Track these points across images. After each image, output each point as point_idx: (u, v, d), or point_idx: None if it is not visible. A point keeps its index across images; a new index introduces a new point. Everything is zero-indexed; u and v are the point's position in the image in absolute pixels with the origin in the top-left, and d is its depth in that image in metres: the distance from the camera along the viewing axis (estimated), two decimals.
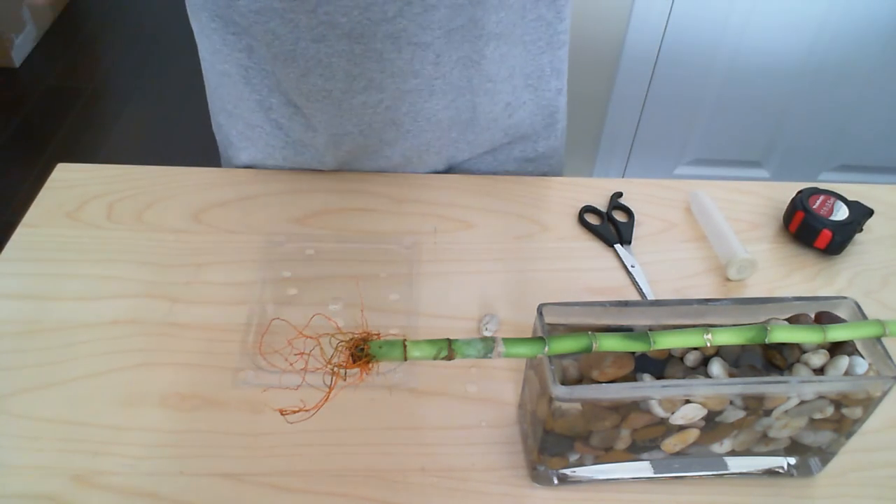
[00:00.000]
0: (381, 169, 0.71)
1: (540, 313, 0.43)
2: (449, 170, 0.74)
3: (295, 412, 0.38)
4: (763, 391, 0.42)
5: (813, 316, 0.46)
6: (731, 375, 0.43)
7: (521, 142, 0.73)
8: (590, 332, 0.39)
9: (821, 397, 0.43)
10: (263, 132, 0.68)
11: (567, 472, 0.47)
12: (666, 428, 0.43)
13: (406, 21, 0.56)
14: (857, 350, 0.44)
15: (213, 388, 0.52)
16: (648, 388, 0.42)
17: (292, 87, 0.62)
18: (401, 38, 0.57)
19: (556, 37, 0.67)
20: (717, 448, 0.46)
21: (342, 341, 0.36)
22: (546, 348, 0.39)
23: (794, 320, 0.45)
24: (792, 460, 0.48)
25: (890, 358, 0.42)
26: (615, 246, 0.65)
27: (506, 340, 0.39)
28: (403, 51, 0.58)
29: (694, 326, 0.41)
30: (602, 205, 0.69)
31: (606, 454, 0.45)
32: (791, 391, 0.42)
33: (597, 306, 0.45)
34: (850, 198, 0.66)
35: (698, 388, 0.42)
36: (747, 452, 0.46)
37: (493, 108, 0.68)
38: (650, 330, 0.40)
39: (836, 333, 0.42)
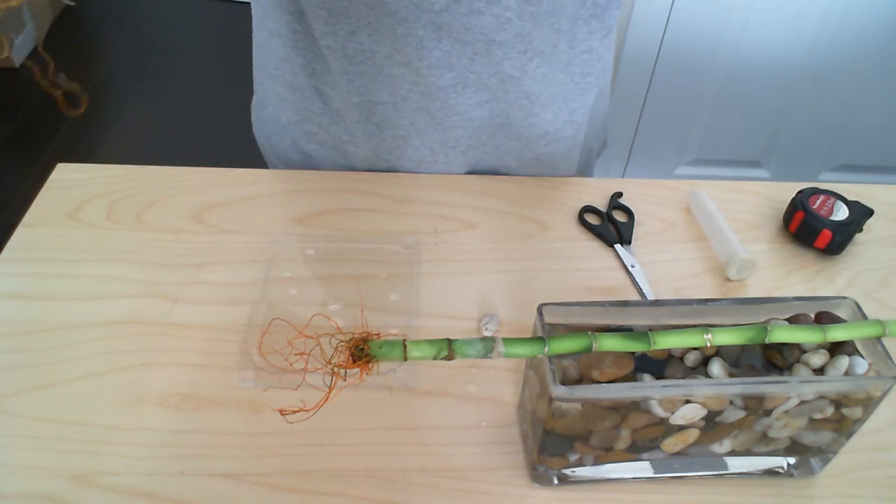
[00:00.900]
0: (407, 162, 0.71)
1: (540, 313, 0.43)
2: (470, 173, 0.74)
3: (295, 412, 0.38)
4: (763, 391, 0.42)
5: (813, 316, 0.46)
6: (731, 375, 0.43)
7: (548, 165, 0.73)
8: (590, 332, 0.39)
9: (821, 397, 0.43)
10: (303, 96, 0.68)
11: (567, 472, 0.47)
12: (666, 428, 0.43)
13: (451, 17, 0.57)
14: (857, 350, 0.44)
15: (213, 388, 0.52)
16: (648, 388, 0.42)
17: (339, 46, 0.62)
18: (442, 29, 0.58)
19: (606, 70, 0.67)
20: (717, 448, 0.46)
21: (342, 341, 0.36)
22: (546, 348, 0.39)
23: (794, 320, 0.45)
24: (792, 460, 0.48)
25: (890, 358, 0.42)
26: (615, 246, 0.65)
27: (506, 340, 0.39)
28: (443, 41, 0.59)
29: (694, 326, 0.41)
30: (602, 205, 0.69)
31: (606, 454, 0.45)
32: (791, 391, 0.42)
33: (597, 306, 0.45)
34: (850, 198, 0.66)
35: (698, 388, 0.42)
36: (747, 452, 0.46)
37: (530, 130, 0.68)
38: (650, 330, 0.40)
39: (836, 333, 0.42)
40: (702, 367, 0.44)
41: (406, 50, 0.60)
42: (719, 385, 0.42)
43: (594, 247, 0.65)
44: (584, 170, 0.80)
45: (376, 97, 0.65)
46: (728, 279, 0.62)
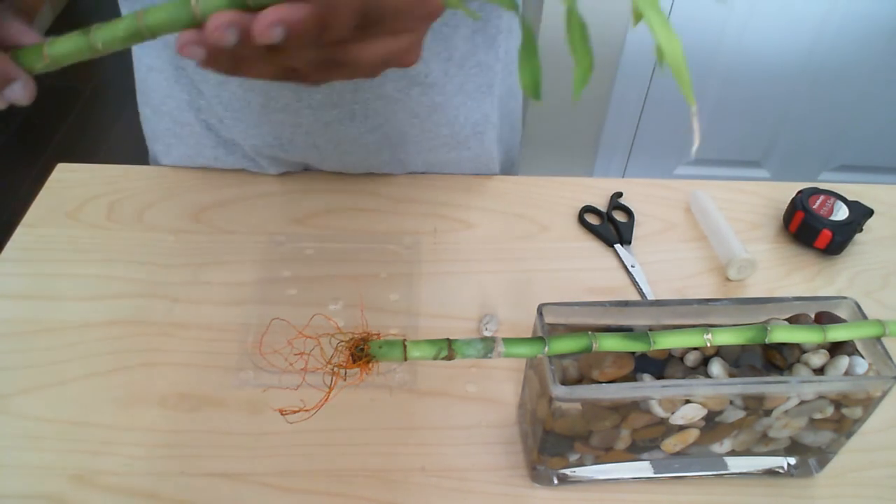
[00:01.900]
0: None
1: (540, 313, 0.43)
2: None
3: (295, 412, 0.38)
4: (763, 391, 0.42)
5: (813, 316, 0.46)
6: (731, 375, 0.43)
7: (466, 168, 0.72)
8: (590, 332, 0.39)
9: (821, 397, 0.43)
10: (193, 131, 0.67)
11: (567, 472, 0.47)
12: (666, 428, 0.43)
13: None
14: (857, 350, 0.44)
15: (213, 388, 0.52)
16: (648, 388, 0.42)
17: (213, 93, 0.62)
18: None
19: (503, 71, 0.66)
20: (717, 448, 0.46)
21: (342, 341, 0.36)
22: (546, 348, 0.39)
23: (794, 320, 0.45)
24: (792, 460, 0.48)
25: (890, 358, 0.42)
26: (615, 246, 0.65)
27: (506, 340, 0.39)
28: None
29: (694, 326, 0.41)
30: (602, 205, 0.69)
31: (606, 454, 0.45)
32: (791, 391, 0.42)
33: (597, 306, 0.45)
34: (850, 198, 0.66)
35: (698, 388, 0.42)
36: (747, 452, 0.46)
37: (429, 141, 0.67)
38: (650, 330, 0.40)
39: (836, 333, 0.42)
40: (702, 367, 0.44)
41: (281, 98, 0.59)
42: (719, 385, 0.42)
43: (594, 247, 0.65)
44: (507, 168, 0.78)
45: (261, 141, 0.65)
46: (728, 279, 0.62)
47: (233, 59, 0.32)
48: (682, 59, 0.24)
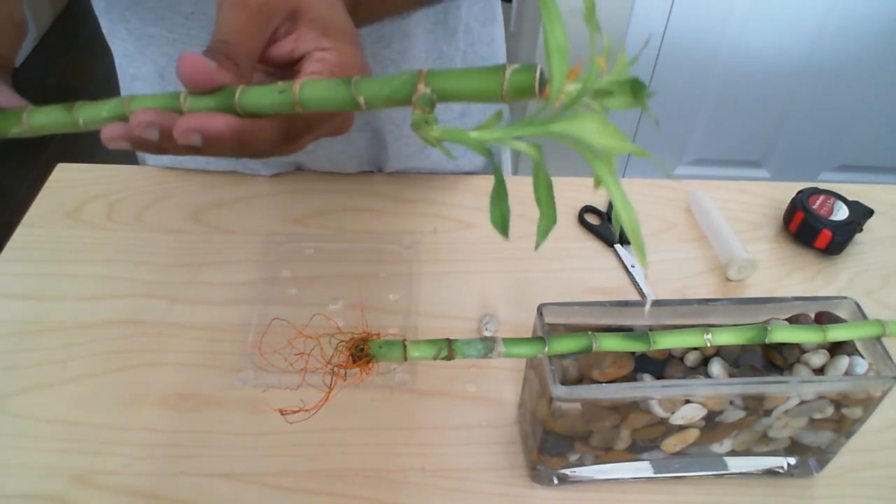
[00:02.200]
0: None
1: (540, 313, 0.43)
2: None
3: (295, 412, 0.38)
4: (763, 391, 0.42)
5: (813, 316, 0.46)
6: (731, 375, 0.43)
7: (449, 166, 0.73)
8: (590, 332, 0.39)
9: (821, 397, 0.43)
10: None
11: (567, 472, 0.47)
12: (666, 428, 0.43)
13: None
14: (857, 350, 0.44)
15: (213, 388, 0.52)
16: (648, 388, 0.42)
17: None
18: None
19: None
20: (717, 448, 0.46)
21: (342, 341, 0.36)
22: (546, 348, 0.39)
23: (794, 320, 0.45)
24: (792, 460, 0.48)
25: (890, 358, 0.42)
26: (615, 246, 0.65)
27: (506, 340, 0.39)
28: None
29: (694, 326, 0.41)
30: (602, 205, 0.69)
31: (606, 454, 0.45)
32: (791, 391, 0.42)
33: (597, 306, 0.45)
34: (850, 198, 0.66)
35: (698, 388, 0.42)
36: (747, 452, 0.46)
37: (406, 148, 0.68)
38: (650, 330, 0.40)
39: (836, 333, 0.42)
40: (702, 367, 0.44)
41: None
42: (719, 385, 0.42)
43: (594, 247, 0.65)
44: (488, 167, 0.79)
45: None
46: (728, 279, 0.62)
47: (160, 148, 0.33)
48: (637, 227, 0.26)
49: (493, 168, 0.29)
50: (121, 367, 0.53)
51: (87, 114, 0.33)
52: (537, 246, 0.29)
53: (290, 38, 0.36)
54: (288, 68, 0.37)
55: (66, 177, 0.69)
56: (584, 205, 0.68)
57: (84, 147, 2.01)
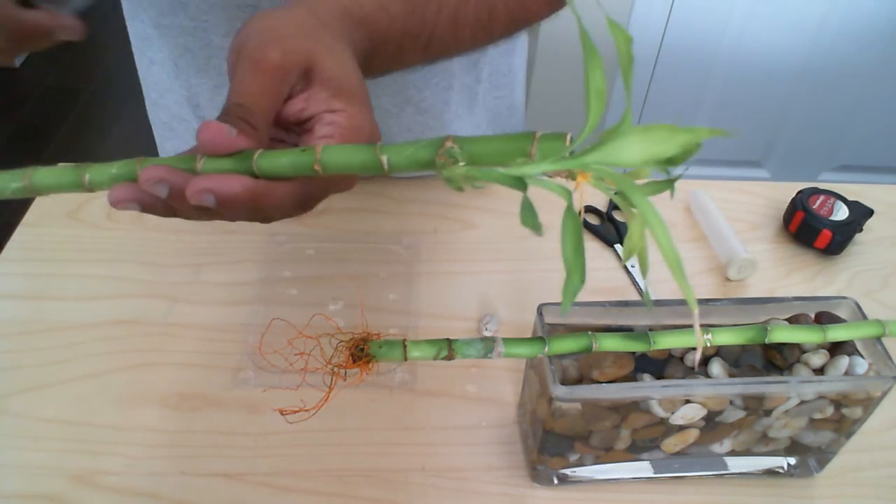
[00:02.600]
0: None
1: (540, 313, 0.43)
2: None
3: (295, 412, 0.38)
4: (763, 391, 0.42)
5: (813, 316, 0.46)
6: (731, 375, 0.43)
7: None
8: (590, 332, 0.39)
9: (821, 397, 0.43)
10: (190, 127, 0.67)
11: (567, 472, 0.47)
12: (666, 428, 0.43)
13: None
14: (857, 350, 0.44)
15: (213, 388, 0.52)
16: (648, 388, 0.42)
17: (206, 97, 0.62)
18: None
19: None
20: (717, 448, 0.46)
21: (342, 341, 0.36)
22: (546, 348, 0.39)
23: (794, 320, 0.45)
24: (792, 460, 0.48)
25: (890, 358, 0.42)
26: (615, 246, 0.65)
27: (506, 340, 0.39)
28: None
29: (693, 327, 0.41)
30: (602, 205, 0.69)
31: (606, 454, 0.45)
32: (791, 391, 0.42)
33: (597, 306, 0.45)
34: (850, 198, 0.66)
35: (698, 388, 0.42)
36: (747, 452, 0.46)
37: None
38: (650, 330, 0.40)
39: (836, 333, 0.42)
40: (702, 367, 0.44)
41: None
42: (719, 385, 0.42)
43: (594, 247, 0.65)
44: None
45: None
46: (728, 279, 0.62)
47: (170, 209, 0.33)
48: (681, 268, 0.24)
49: (524, 200, 0.28)
50: (121, 367, 0.53)
51: (95, 172, 0.32)
52: (565, 308, 0.27)
53: (301, 97, 0.36)
54: (296, 127, 0.36)
55: None
56: (584, 205, 0.68)
57: (84, 147, 2.01)
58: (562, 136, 0.25)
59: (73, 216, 0.65)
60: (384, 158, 0.29)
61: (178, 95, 0.65)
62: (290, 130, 0.38)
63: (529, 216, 0.27)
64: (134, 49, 0.66)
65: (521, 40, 0.70)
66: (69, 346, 0.54)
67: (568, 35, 1.50)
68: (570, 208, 0.26)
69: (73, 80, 2.22)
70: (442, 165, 0.27)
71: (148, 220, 0.65)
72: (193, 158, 0.32)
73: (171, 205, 0.32)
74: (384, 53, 0.45)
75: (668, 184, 0.27)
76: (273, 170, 0.31)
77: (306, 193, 0.34)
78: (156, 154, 0.72)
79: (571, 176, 0.26)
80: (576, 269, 0.27)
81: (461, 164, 0.26)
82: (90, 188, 0.33)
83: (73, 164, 0.33)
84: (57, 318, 0.56)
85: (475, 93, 0.67)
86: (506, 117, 0.73)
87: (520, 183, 0.27)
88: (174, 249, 0.62)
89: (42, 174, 0.33)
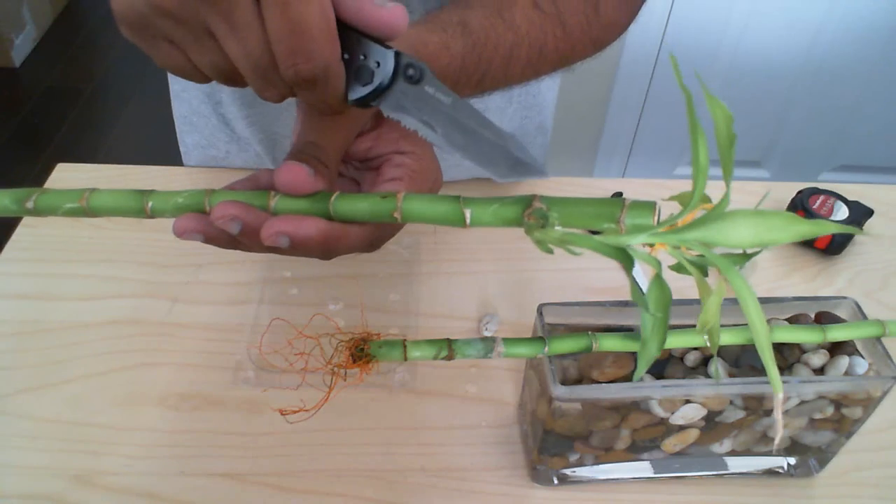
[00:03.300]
0: None
1: (540, 313, 0.43)
2: None
3: (295, 412, 0.38)
4: (763, 391, 0.42)
5: (813, 316, 0.46)
6: (731, 375, 0.43)
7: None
8: (590, 332, 0.39)
9: (821, 397, 0.43)
10: (209, 122, 0.68)
11: (567, 472, 0.47)
12: (666, 428, 0.43)
13: None
14: (857, 350, 0.44)
15: (213, 388, 0.52)
16: (648, 388, 0.42)
17: (228, 92, 0.63)
18: None
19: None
20: (717, 448, 0.46)
21: (342, 341, 0.36)
22: (546, 348, 0.39)
23: (794, 320, 0.45)
24: (792, 460, 0.48)
25: (890, 358, 0.42)
26: None
27: (506, 340, 0.39)
28: None
29: (694, 326, 0.41)
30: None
31: (606, 454, 0.45)
32: (791, 391, 0.42)
33: (597, 306, 0.45)
34: (850, 198, 0.66)
35: (698, 388, 0.42)
36: (747, 452, 0.46)
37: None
38: None
39: (836, 333, 0.41)
40: (702, 367, 0.44)
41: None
42: (719, 385, 0.42)
43: None
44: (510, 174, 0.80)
45: (280, 132, 0.65)
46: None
47: (235, 243, 0.33)
48: (770, 348, 0.24)
49: (632, 280, 0.27)
50: (121, 367, 0.53)
51: (158, 200, 0.32)
52: (638, 376, 0.27)
53: (370, 135, 0.35)
54: (358, 163, 0.36)
55: (66, 176, 0.69)
56: None
57: (84, 147, 2.01)
58: (650, 205, 0.26)
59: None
60: (468, 213, 0.29)
61: (199, 90, 0.65)
62: (349, 164, 0.37)
63: (639, 294, 0.27)
64: None
65: None
66: (69, 346, 0.54)
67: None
68: (658, 277, 0.27)
69: (73, 80, 2.22)
70: (531, 227, 0.26)
71: (148, 220, 0.65)
72: (266, 195, 0.31)
73: (239, 240, 0.32)
74: None
75: (748, 257, 0.27)
76: (350, 214, 0.31)
77: (378, 236, 0.34)
78: (161, 151, 0.72)
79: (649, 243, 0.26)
80: (654, 338, 0.27)
81: (556, 227, 0.26)
82: (151, 215, 0.32)
83: (135, 189, 0.32)
84: (57, 318, 0.56)
85: (505, 114, 0.68)
86: (532, 136, 0.73)
87: (623, 255, 0.27)
88: (174, 249, 0.62)
89: (101, 197, 0.32)
